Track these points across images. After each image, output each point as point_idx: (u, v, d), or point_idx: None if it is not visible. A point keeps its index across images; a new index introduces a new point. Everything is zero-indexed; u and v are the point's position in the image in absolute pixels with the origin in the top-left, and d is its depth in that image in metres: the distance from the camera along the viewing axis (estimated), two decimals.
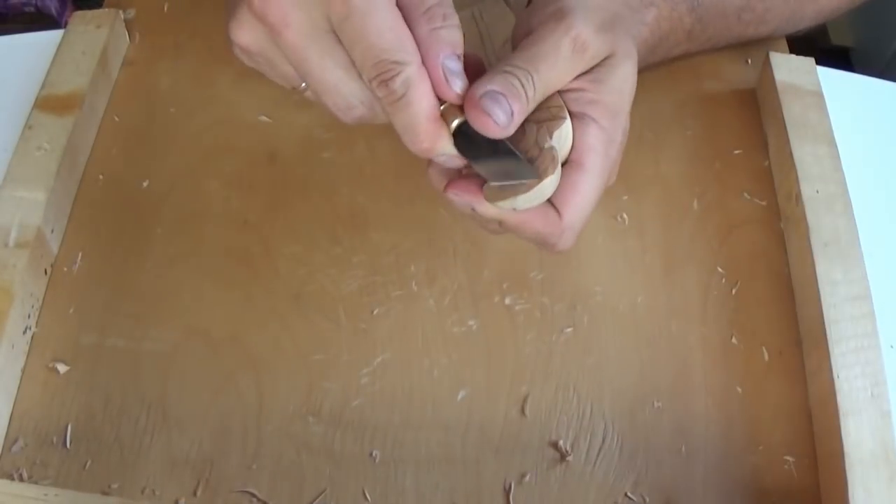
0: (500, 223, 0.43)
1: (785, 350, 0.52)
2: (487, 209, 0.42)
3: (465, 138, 0.39)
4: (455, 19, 0.39)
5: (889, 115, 0.64)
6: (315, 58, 0.39)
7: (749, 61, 0.65)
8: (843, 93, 0.62)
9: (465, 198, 0.42)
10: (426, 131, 0.39)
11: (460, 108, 0.39)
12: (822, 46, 1.40)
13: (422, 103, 0.38)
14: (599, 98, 0.43)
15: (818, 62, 0.60)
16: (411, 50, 0.37)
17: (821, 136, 0.57)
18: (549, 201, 0.42)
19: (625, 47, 0.45)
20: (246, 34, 0.40)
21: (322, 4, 0.37)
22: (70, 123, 0.55)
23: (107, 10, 0.61)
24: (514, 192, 0.41)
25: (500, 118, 0.39)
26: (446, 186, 0.42)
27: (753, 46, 0.65)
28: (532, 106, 0.41)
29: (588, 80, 0.43)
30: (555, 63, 0.42)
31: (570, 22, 0.42)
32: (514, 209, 0.41)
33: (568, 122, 0.42)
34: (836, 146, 0.56)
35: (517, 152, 0.40)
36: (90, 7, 0.61)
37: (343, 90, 0.40)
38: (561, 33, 0.42)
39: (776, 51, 0.61)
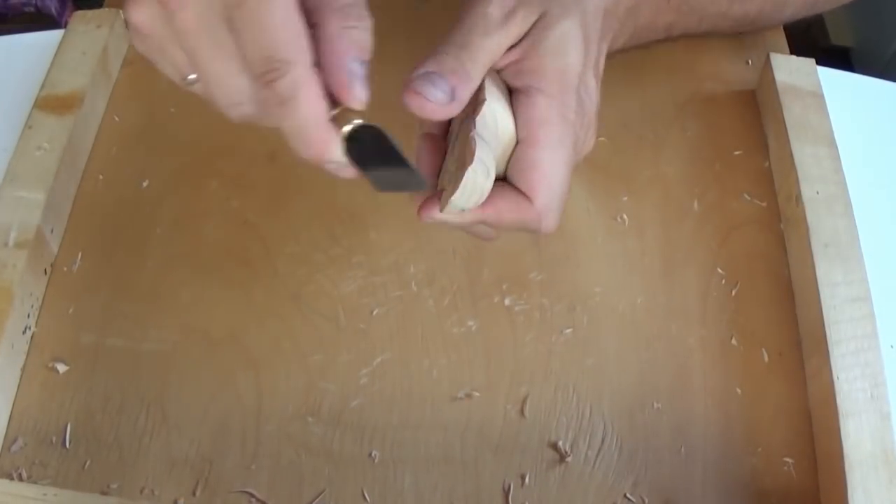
0: (484, 223, 0.42)
1: (785, 351, 0.52)
2: (444, 218, 0.41)
3: (358, 145, 0.37)
4: (368, 23, 0.37)
5: (889, 115, 0.64)
6: (206, 44, 0.36)
7: (749, 62, 0.65)
8: (843, 93, 0.62)
9: (429, 213, 0.41)
10: (314, 138, 0.37)
11: (355, 113, 0.37)
12: (822, 46, 1.40)
13: (309, 108, 0.36)
14: (540, 64, 0.42)
15: (818, 62, 0.60)
16: (302, 49, 0.35)
17: (821, 137, 0.57)
18: (518, 188, 0.41)
19: (559, 5, 0.43)
20: (142, 12, 0.37)
21: None
22: (70, 123, 0.54)
23: (107, 10, 0.61)
24: (449, 193, 0.39)
25: (436, 96, 0.38)
26: (419, 210, 0.42)
27: (753, 47, 0.65)
28: (476, 80, 0.40)
29: (523, 48, 0.42)
30: (486, 31, 0.41)
31: None
32: (463, 210, 0.40)
33: (490, 103, 0.41)
34: (836, 147, 0.56)
35: (405, 159, 0.38)
36: (90, 7, 0.61)
37: (231, 84, 0.37)
38: (485, 1, 0.41)
39: (776, 51, 0.61)
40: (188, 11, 0.36)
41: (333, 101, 0.37)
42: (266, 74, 0.35)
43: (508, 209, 0.41)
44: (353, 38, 0.36)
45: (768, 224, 0.57)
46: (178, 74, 0.39)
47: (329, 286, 0.53)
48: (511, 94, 0.43)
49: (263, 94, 0.36)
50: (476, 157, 0.39)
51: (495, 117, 0.41)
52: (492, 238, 0.46)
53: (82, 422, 0.48)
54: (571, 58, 0.43)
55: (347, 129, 0.37)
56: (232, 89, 0.37)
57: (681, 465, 0.48)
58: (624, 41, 0.51)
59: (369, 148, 0.37)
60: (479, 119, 0.40)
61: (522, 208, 0.41)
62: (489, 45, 0.41)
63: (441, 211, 0.40)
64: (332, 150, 0.37)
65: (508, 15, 0.42)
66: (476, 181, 0.39)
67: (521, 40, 0.43)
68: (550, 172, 0.41)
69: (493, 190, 0.40)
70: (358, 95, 0.37)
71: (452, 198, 0.39)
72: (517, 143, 0.42)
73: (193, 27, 0.36)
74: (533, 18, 0.43)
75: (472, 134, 0.39)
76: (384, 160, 0.38)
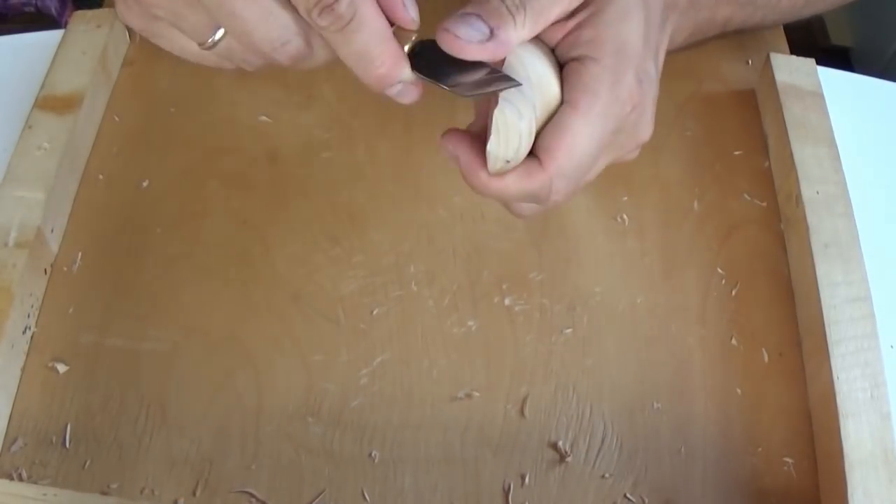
0: (492, 195, 0.40)
1: (785, 351, 0.52)
2: (488, 185, 0.39)
3: (423, 60, 0.36)
4: None
5: (889, 115, 0.64)
6: None
7: (749, 62, 0.65)
8: (843, 93, 0.62)
9: (476, 177, 0.39)
10: (383, 54, 0.35)
11: (407, 33, 0.36)
12: (822, 46, 1.40)
13: (374, 24, 0.35)
14: (597, 35, 0.39)
15: (818, 62, 0.60)
16: None
17: (821, 137, 0.57)
18: (532, 152, 0.39)
19: None
20: None
21: None
22: (70, 123, 0.54)
23: (107, 9, 0.61)
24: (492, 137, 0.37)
25: (468, 34, 0.36)
26: (467, 176, 0.39)
27: (754, 47, 0.65)
28: (522, 28, 0.38)
29: (580, 18, 0.40)
30: None
31: None
32: (508, 161, 0.38)
33: (516, 51, 0.38)
34: (836, 147, 0.56)
35: (479, 61, 0.36)
36: (90, 7, 0.61)
37: (275, 22, 0.35)
38: None
39: (776, 51, 0.61)
40: None
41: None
42: (322, 2, 0.34)
43: (513, 177, 0.39)
44: None
45: (768, 224, 0.57)
46: (197, 40, 0.38)
47: (329, 286, 0.53)
48: (563, 67, 0.40)
49: (320, 22, 0.34)
50: (503, 100, 0.37)
51: (523, 63, 0.38)
52: (530, 215, 0.44)
53: (82, 422, 0.48)
54: (632, 34, 0.40)
55: (408, 46, 0.36)
56: (277, 28, 0.36)
57: (681, 465, 0.48)
58: (685, 37, 0.50)
59: (435, 60, 0.36)
60: (504, 67, 0.38)
61: (531, 174, 0.39)
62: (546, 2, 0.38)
63: (489, 170, 0.38)
64: (402, 66, 0.36)
65: None
66: (507, 122, 0.37)
67: (577, 11, 0.40)
68: (576, 141, 0.38)
69: None
70: (409, 14, 0.36)
71: (489, 147, 0.37)
72: (559, 105, 0.39)
73: None
74: None
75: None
76: (455, 68, 0.37)
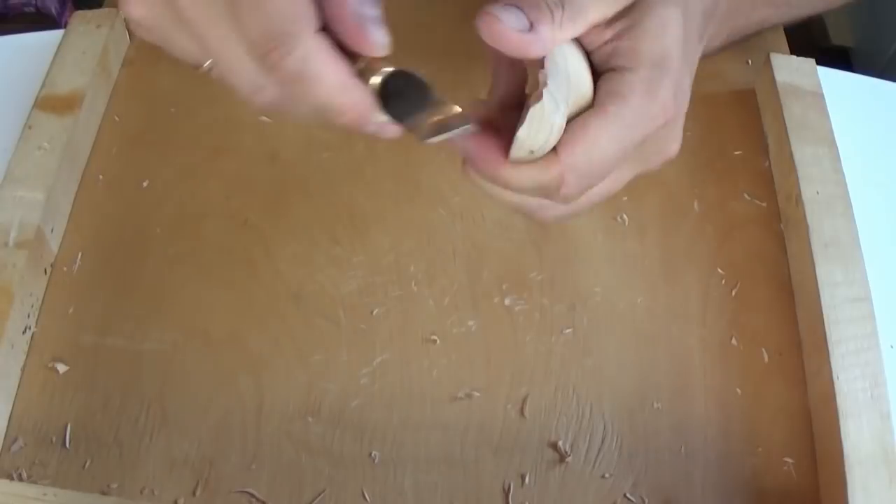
0: (501, 182, 0.39)
1: (785, 351, 0.52)
2: (505, 173, 0.37)
3: (393, 95, 0.35)
4: None
5: (889, 115, 0.64)
6: (212, 31, 0.34)
7: (749, 62, 0.65)
8: (843, 93, 0.62)
9: (492, 164, 0.37)
10: (346, 104, 0.34)
11: (380, 62, 0.35)
12: (822, 46, 1.40)
13: (328, 77, 0.33)
14: (636, 46, 0.38)
15: (818, 62, 0.60)
16: (303, 16, 0.33)
17: (821, 137, 0.57)
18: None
19: None
20: (140, 7, 0.35)
21: None
22: (70, 123, 0.54)
23: (107, 10, 0.61)
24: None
25: (510, 21, 0.34)
26: (478, 163, 0.38)
27: (754, 47, 0.65)
28: (563, 32, 0.37)
29: (618, 28, 0.39)
30: None
31: None
32: (532, 152, 0.37)
33: (561, 47, 0.37)
34: (836, 147, 0.56)
35: (444, 100, 0.35)
36: (90, 7, 0.61)
37: (245, 70, 0.34)
38: None
39: (776, 51, 0.61)
40: None
41: (354, 55, 0.34)
42: (270, 54, 0.33)
43: (526, 167, 0.38)
44: None
45: (768, 224, 0.57)
46: (192, 62, 0.37)
47: (329, 286, 0.53)
48: (598, 76, 0.39)
49: (275, 76, 0.34)
50: (547, 92, 0.36)
51: (565, 57, 0.37)
52: (551, 218, 0.43)
53: (82, 422, 0.48)
54: (671, 47, 0.39)
55: (377, 80, 0.35)
56: (247, 75, 0.35)
57: (681, 465, 0.48)
58: (721, 42, 0.49)
59: (405, 95, 0.35)
60: (547, 59, 0.37)
61: (543, 164, 0.38)
62: (588, 4, 0.37)
63: (510, 157, 0.37)
64: (368, 111, 0.35)
65: None
66: (545, 112, 0.36)
67: (614, 21, 0.39)
68: (597, 141, 0.37)
69: None
70: (375, 40, 0.34)
71: (519, 132, 0.36)
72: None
73: (195, 14, 0.34)
74: None
75: (541, 70, 0.37)
76: (421, 105, 0.36)
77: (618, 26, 0.39)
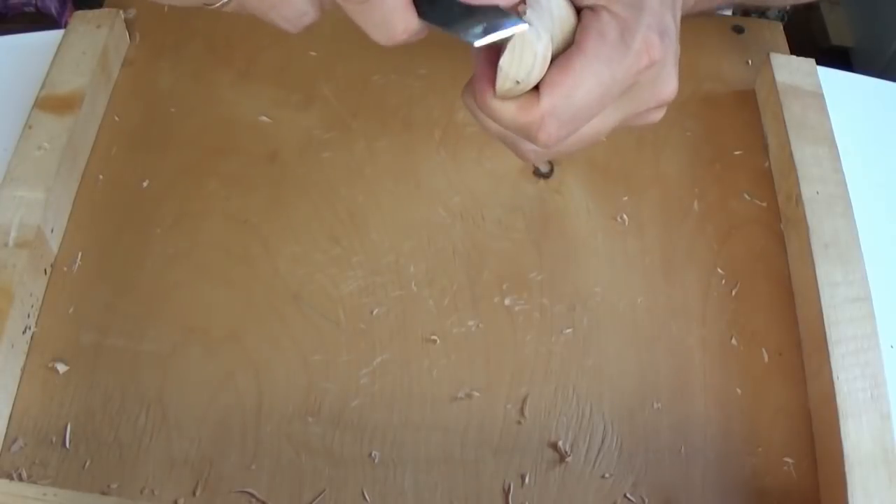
0: (484, 112, 0.39)
1: (785, 351, 0.52)
2: (492, 106, 0.38)
3: (430, 5, 0.36)
4: None
5: (889, 115, 0.64)
6: None
7: (749, 62, 0.65)
8: (843, 93, 0.62)
9: (481, 95, 0.38)
10: (402, 21, 0.35)
11: None
12: (822, 46, 1.41)
13: None
14: None
15: (818, 62, 0.60)
16: None
17: (821, 137, 0.57)
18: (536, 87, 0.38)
19: None
20: None
21: None
22: (70, 123, 0.54)
23: (107, 10, 0.61)
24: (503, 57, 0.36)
25: None
26: (469, 92, 0.39)
27: (754, 47, 0.65)
28: None
29: None
30: None
31: None
32: (518, 82, 0.37)
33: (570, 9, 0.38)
34: (836, 147, 0.56)
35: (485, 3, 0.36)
36: (90, 7, 0.61)
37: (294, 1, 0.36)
38: None
39: (776, 51, 0.61)
40: None
41: None
42: None
43: (507, 108, 0.38)
44: None
45: (768, 224, 0.57)
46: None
47: (329, 286, 0.53)
48: (579, 13, 0.39)
49: None
50: (527, 19, 0.36)
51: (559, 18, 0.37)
52: (533, 158, 0.43)
53: (82, 422, 0.48)
54: None
55: None
56: (295, 4, 0.36)
57: (681, 465, 0.48)
58: (695, 1, 0.48)
59: (442, 4, 0.36)
60: None
61: (523, 108, 0.38)
62: None
63: (497, 87, 0.37)
64: (415, 25, 0.36)
65: None
66: (525, 39, 0.36)
67: None
68: (577, 83, 0.37)
69: None
70: None
71: (500, 62, 0.36)
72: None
73: None
74: None
75: (522, 4, 0.37)
76: (458, 13, 0.36)
77: None
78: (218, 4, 0.37)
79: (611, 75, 0.38)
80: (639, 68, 0.38)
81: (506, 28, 0.36)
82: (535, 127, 0.38)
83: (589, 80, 0.37)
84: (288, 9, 0.36)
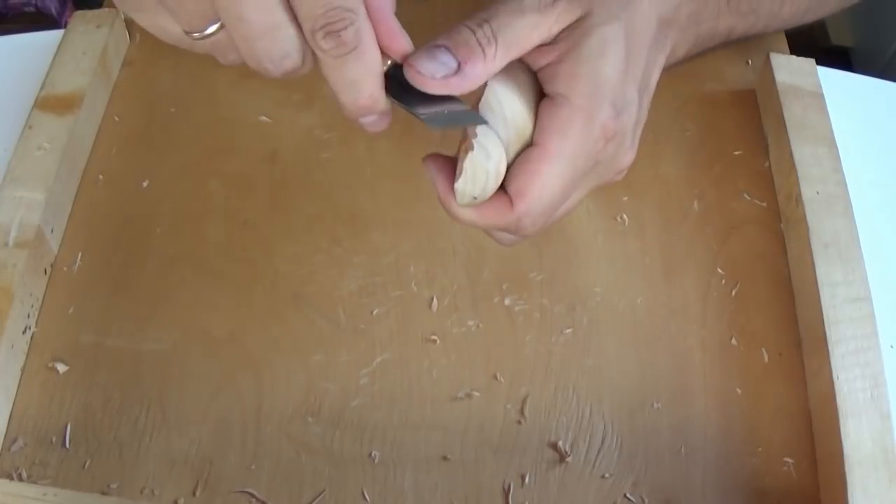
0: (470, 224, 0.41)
1: (785, 351, 0.52)
2: (459, 213, 0.40)
3: (395, 84, 0.37)
4: None
5: (889, 115, 0.64)
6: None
7: (749, 62, 0.65)
8: (843, 93, 0.62)
9: (448, 205, 0.40)
10: (371, 86, 0.36)
11: (386, 56, 0.37)
12: (822, 46, 1.40)
13: (371, 55, 0.35)
14: (573, 71, 0.39)
15: (818, 62, 0.60)
16: None
17: (821, 137, 0.57)
18: (504, 188, 0.39)
19: (605, 9, 0.39)
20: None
21: None
22: (70, 123, 0.54)
23: (107, 10, 0.61)
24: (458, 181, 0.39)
25: (430, 69, 0.36)
26: (442, 201, 0.41)
27: (754, 47, 0.65)
28: (493, 61, 0.37)
29: (560, 49, 0.39)
30: (516, 11, 0.38)
31: None
32: (475, 198, 0.39)
33: (493, 85, 0.38)
34: (836, 147, 0.56)
35: (456, 96, 0.37)
36: (90, 7, 0.61)
37: (280, 35, 0.35)
38: None
39: (776, 51, 0.61)
40: None
41: None
42: (330, 24, 0.34)
43: (488, 207, 0.40)
44: None
45: (768, 224, 0.57)
46: (187, 28, 0.36)
47: (329, 286, 0.53)
48: (541, 98, 0.40)
49: (323, 45, 0.34)
50: (476, 142, 0.38)
51: (500, 101, 0.38)
52: (509, 244, 0.45)
53: (82, 422, 0.48)
54: (609, 68, 0.39)
55: (387, 65, 0.37)
56: (281, 41, 0.35)
57: (681, 465, 0.48)
58: (686, 50, 0.49)
59: (407, 86, 0.37)
60: (481, 103, 0.38)
61: (500, 211, 0.40)
62: (517, 25, 0.38)
63: (457, 202, 0.39)
64: (381, 99, 0.37)
65: (546, 4, 0.39)
66: (475, 163, 0.38)
67: (558, 41, 0.39)
68: (545, 184, 0.39)
69: None
70: (406, 45, 0.36)
71: (456, 185, 0.38)
72: (531, 144, 0.39)
73: None
74: (574, 16, 0.39)
75: (470, 128, 0.38)
76: (425, 97, 0.37)
77: (561, 46, 0.39)
78: (200, 34, 0.36)
79: (574, 168, 0.39)
80: (598, 150, 0.40)
81: (464, 122, 0.38)
82: (512, 226, 0.40)
83: (556, 179, 0.39)
84: (272, 46, 0.35)
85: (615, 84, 0.40)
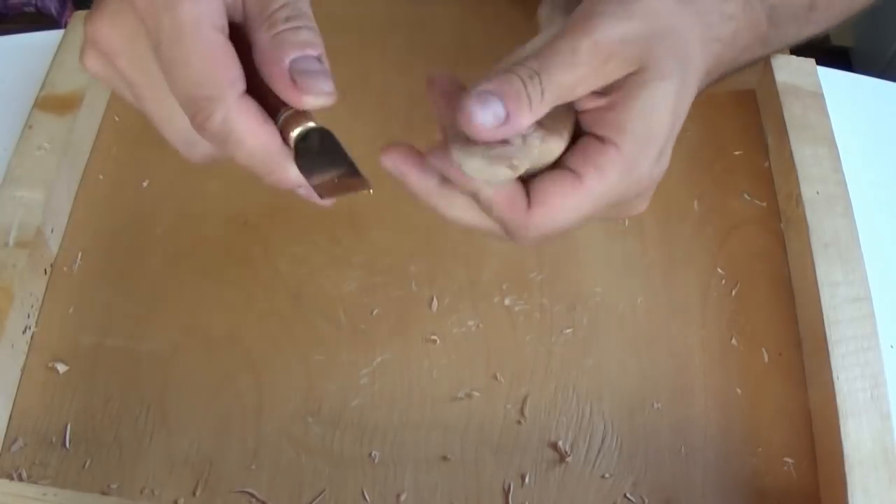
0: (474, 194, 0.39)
1: (785, 351, 0.52)
2: (460, 179, 0.37)
3: (306, 150, 0.35)
4: (305, 19, 0.35)
5: (889, 115, 0.64)
6: (147, 90, 0.35)
7: None
8: (843, 93, 0.62)
9: (436, 163, 0.38)
10: (267, 167, 0.35)
11: (304, 115, 0.35)
12: (822, 46, 1.40)
13: (250, 140, 0.34)
14: (625, 123, 0.38)
15: (818, 62, 0.60)
16: (227, 79, 0.33)
17: (821, 137, 0.57)
18: (528, 193, 0.38)
19: (661, 65, 0.38)
20: (90, 61, 0.37)
21: (143, 31, 0.34)
22: (70, 123, 0.54)
23: None
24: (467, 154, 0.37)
25: (484, 119, 0.35)
26: (385, 152, 0.39)
27: None
28: (538, 113, 0.37)
29: (612, 99, 0.38)
30: (570, 65, 0.37)
31: (595, 24, 0.37)
32: (489, 181, 0.37)
33: (559, 142, 0.38)
34: (836, 147, 0.56)
35: (351, 161, 0.37)
36: (90, 7, 0.61)
37: (178, 127, 0.36)
38: (580, 34, 0.37)
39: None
40: (123, 58, 0.35)
41: (281, 103, 0.35)
42: (196, 116, 0.34)
43: (505, 200, 0.38)
44: (286, 40, 0.34)
45: (768, 224, 0.57)
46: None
47: (329, 286, 0.53)
48: (582, 135, 0.40)
49: (202, 136, 0.34)
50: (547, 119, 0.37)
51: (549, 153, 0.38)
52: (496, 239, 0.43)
53: (82, 422, 0.48)
54: (660, 126, 0.39)
55: (296, 133, 0.35)
56: (181, 132, 0.36)
57: (681, 465, 0.48)
58: (707, 89, 0.48)
59: (317, 152, 0.36)
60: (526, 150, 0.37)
61: (516, 210, 0.38)
62: (567, 80, 0.37)
63: (459, 165, 0.37)
64: (289, 173, 0.36)
65: (602, 58, 0.37)
66: (544, 140, 0.37)
67: (610, 90, 0.39)
68: (566, 210, 0.38)
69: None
70: (314, 88, 0.34)
71: (501, 150, 0.37)
72: (562, 166, 0.38)
73: (130, 73, 0.36)
74: (628, 69, 0.38)
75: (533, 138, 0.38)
76: (330, 162, 0.36)
77: (613, 97, 0.38)
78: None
79: (596, 207, 0.39)
80: (628, 198, 0.40)
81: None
82: (517, 231, 0.39)
83: (579, 210, 0.38)
84: (174, 134, 0.36)
85: (661, 141, 0.39)
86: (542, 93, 0.37)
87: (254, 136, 0.34)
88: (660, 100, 0.39)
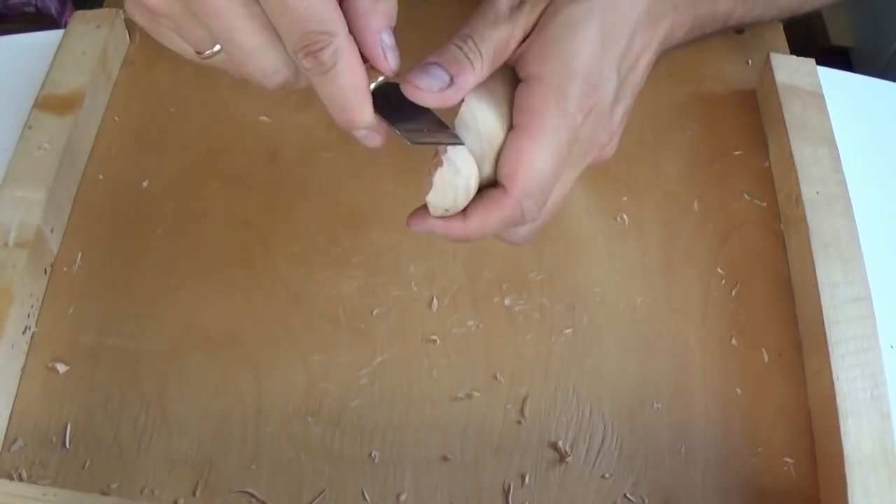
0: (471, 238, 0.42)
1: (785, 351, 0.52)
2: (431, 226, 0.41)
3: (386, 101, 0.39)
4: None
5: (889, 115, 0.64)
6: (239, 22, 0.37)
7: (749, 62, 0.65)
8: (843, 93, 0.62)
9: (420, 221, 0.42)
10: (353, 102, 0.38)
11: (377, 72, 0.39)
12: (822, 46, 1.40)
13: (352, 75, 0.37)
14: (541, 51, 0.41)
15: (818, 62, 0.60)
16: (339, 20, 0.37)
17: (821, 137, 0.57)
18: (497, 178, 0.41)
19: None
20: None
21: None
22: (70, 123, 0.54)
23: (107, 9, 0.61)
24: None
25: (428, 84, 0.38)
26: (409, 219, 0.43)
27: (754, 47, 0.65)
28: (479, 70, 0.40)
29: (531, 38, 0.42)
30: (492, 22, 0.41)
31: None
32: (447, 210, 0.41)
33: (469, 101, 0.40)
34: (836, 147, 0.56)
35: (431, 111, 0.39)
36: (90, 7, 0.61)
37: (267, 56, 0.38)
38: None
39: (776, 51, 0.61)
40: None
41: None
42: (309, 46, 0.36)
43: (485, 210, 0.41)
44: (382, 11, 0.38)
45: (768, 224, 0.57)
46: (193, 50, 0.40)
47: (329, 286, 0.53)
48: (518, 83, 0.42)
49: (304, 64, 0.37)
50: (445, 158, 0.40)
51: (475, 116, 0.40)
52: (522, 240, 0.46)
53: (82, 422, 0.48)
54: (579, 44, 0.41)
55: (374, 84, 0.39)
56: (268, 61, 0.38)
57: (681, 465, 0.48)
58: (685, 32, 0.50)
59: (395, 103, 0.39)
60: (457, 119, 0.40)
61: (499, 202, 0.40)
62: (495, 35, 0.40)
63: (432, 215, 0.41)
64: (365, 115, 0.39)
65: (516, 7, 0.41)
66: (446, 180, 0.40)
67: (530, 33, 0.42)
68: (532, 161, 0.40)
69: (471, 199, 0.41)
70: (392, 65, 0.38)
71: (427, 197, 0.40)
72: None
73: (223, 5, 0.37)
74: (540, 8, 0.42)
75: (440, 147, 0.40)
76: (410, 115, 0.39)
77: (531, 37, 0.41)
78: (207, 53, 0.40)
79: (557, 144, 0.40)
80: (576, 125, 0.41)
81: (442, 141, 0.40)
82: (518, 213, 0.41)
83: (542, 153, 0.40)
84: (261, 65, 0.38)
85: (588, 60, 0.41)
86: (480, 53, 0.40)
87: (352, 71, 0.37)
88: (576, 21, 0.41)
